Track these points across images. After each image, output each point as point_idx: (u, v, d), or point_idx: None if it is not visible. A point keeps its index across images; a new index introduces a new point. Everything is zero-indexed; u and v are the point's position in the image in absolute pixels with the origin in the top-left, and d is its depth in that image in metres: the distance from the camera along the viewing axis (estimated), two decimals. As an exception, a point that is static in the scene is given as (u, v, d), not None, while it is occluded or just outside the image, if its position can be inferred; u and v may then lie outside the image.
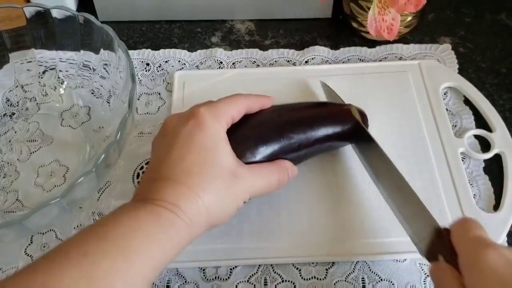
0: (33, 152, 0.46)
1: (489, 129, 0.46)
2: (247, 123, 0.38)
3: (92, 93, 0.48)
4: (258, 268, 0.39)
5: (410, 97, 0.48)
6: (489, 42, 0.54)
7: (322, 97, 0.48)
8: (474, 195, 0.42)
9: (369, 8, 0.46)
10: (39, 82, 0.49)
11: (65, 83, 0.49)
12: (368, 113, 0.43)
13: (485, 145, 0.45)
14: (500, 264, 0.27)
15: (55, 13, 0.44)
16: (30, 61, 0.49)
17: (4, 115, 0.49)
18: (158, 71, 0.52)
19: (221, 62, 0.53)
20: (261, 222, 0.41)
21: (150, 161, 0.36)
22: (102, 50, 0.45)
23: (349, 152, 0.44)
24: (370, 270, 0.39)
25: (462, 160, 0.44)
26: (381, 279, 0.38)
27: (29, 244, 0.41)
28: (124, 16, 0.57)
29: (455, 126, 0.47)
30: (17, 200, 0.43)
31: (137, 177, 0.45)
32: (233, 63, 0.53)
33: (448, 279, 0.29)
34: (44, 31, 0.46)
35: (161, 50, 0.54)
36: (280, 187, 0.38)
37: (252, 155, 0.36)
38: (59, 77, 0.49)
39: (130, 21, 0.57)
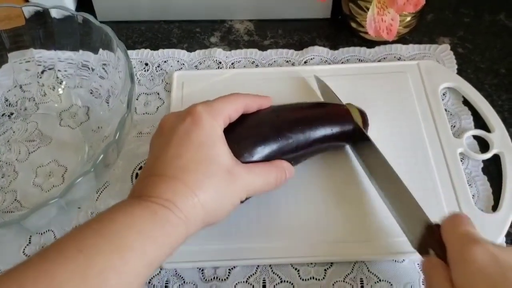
0: (32, 152, 0.46)
1: (488, 130, 0.46)
2: (245, 123, 0.38)
3: (91, 93, 0.48)
4: (257, 268, 0.39)
5: (409, 97, 0.48)
6: (488, 43, 0.54)
7: (320, 98, 0.48)
8: (473, 195, 0.42)
9: (368, 9, 0.46)
10: (38, 82, 0.49)
11: (64, 83, 0.49)
12: (367, 113, 0.43)
13: (484, 145, 0.45)
14: (485, 259, 0.28)
15: (54, 13, 0.44)
16: (29, 61, 0.48)
17: (2, 115, 0.49)
18: (157, 71, 0.52)
19: (220, 62, 0.53)
20: (260, 222, 0.41)
21: (147, 159, 0.36)
22: (101, 50, 0.45)
23: (347, 152, 0.44)
24: (368, 270, 0.39)
25: (461, 161, 0.44)
26: (380, 280, 0.38)
27: (27, 245, 0.41)
28: (123, 16, 0.57)
29: (454, 126, 0.47)
30: (15, 200, 0.43)
31: (136, 177, 0.45)
32: (232, 63, 0.53)
33: (437, 273, 0.30)
34: (43, 31, 0.46)
35: (160, 50, 0.54)
36: (277, 187, 0.38)
37: (249, 154, 0.36)
38: (57, 77, 0.49)
39: (129, 21, 0.57)
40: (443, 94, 0.49)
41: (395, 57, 0.52)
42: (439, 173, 0.43)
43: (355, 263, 0.39)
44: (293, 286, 0.39)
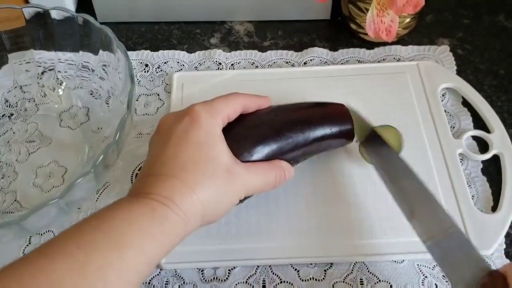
0: (32, 153, 0.46)
1: (487, 130, 0.46)
2: (245, 123, 0.38)
3: (91, 94, 0.48)
4: (257, 269, 0.39)
5: (408, 98, 0.48)
6: (487, 44, 0.54)
7: (320, 98, 0.48)
8: (472, 196, 0.42)
9: (367, 10, 0.47)
10: (38, 83, 0.49)
11: (64, 84, 0.50)
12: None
13: (483, 146, 0.46)
14: None
15: (54, 14, 0.44)
16: (29, 62, 0.49)
17: (2, 115, 0.49)
18: (157, 72, 0.52)
19: (220, 63, 0.53)
20: (260, 223, 0.41)
21: (146, 158, 0.36)
22: (101, 51, 0.45)
23: (347, 152, 0.44)
24: (368, 271, 0.39)
25: (460, 161, 0.44)
26: (379, 280, 0.38)
27: (27, 245, 0.41)
28: (123, 17, 0.57)
29: (454, 127, 0.47)
30: (15, 200, 0.43)
31: (135, 178, 0.44)
32: (232, 64, 0.53)
33: None
34: (43, 32, 0.46)
35: (160, 51, 0.54)
36: (276, 187, 0.38)
37: (249, 154, 0.36)
38: (58, 78, 0.49)
39: (129, 22, 0.57)
40: (443, 95, 0.49)
41: (394, 58, 0.52)
42: (439, 173, 0.43)
43: (355, 263, 0.39)
44: (293, 286, 0.39)
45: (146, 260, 0.29)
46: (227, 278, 0.39)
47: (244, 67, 0.52)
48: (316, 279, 0.39)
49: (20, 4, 0.47)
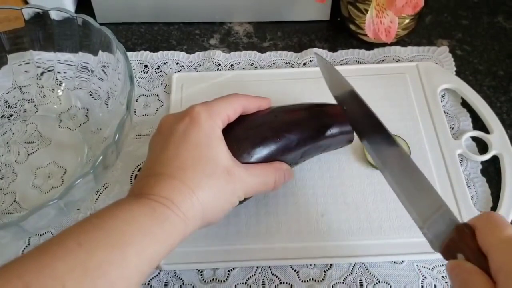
0: (31, 154, 0.46)
1: (487, 131, 0.46)
2: (245, 124, 0.38)
3: (90, 94, 0.48)
4: (256, 270, 0.39)
5: (408, 99, 0.48)
6: (486, 45, 0.54)
7: (319, 99, 0.48)
8: (472, 196, 0.42)
9: (367, 11, 0.47)
10: (37, 84, 0.49)
11: (63, 84, 0.49)
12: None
13: (482, 147, 0.46)
14: None
15: (54, 15, 0.44)
16: (28, 63, 0.49)
17: (2, 116, 0.49)
18: (156, 73, 0.52)
19: (219, 64, 0.53)
20: (259, 223, 0.41)
21: (146, 159, 0.36)
22: (100, 52, 0.45)
23: (347, 153, 0.44)
24: (368, 272, 0.39)
25: (460, 162, 0.44)
26: (379, 281, 0.38)
27: (26, 246, 0.41)
28: (122, 18, 0.57)
29: (453, 128, 0.47)
30: (14, 201, 0.43)
31: (135, 179, 0.44)
32: (231, 65, 0.53)
33: (477, 283, 0.26)
34: (43, 32, 0.46)
35: (160, 52, 0.54)
36: (275, 189, 0.38)
37: (249, 155, 0.36)
38: (57, 79, 0.49)
39: (129, 23, 0.57)
40: (442, 96, 0.49)
41: (393, 59, 0.52)
42: (438, 174, 0.43)
43: (354, 264, 0.39)
44: (293, 287, 0.38)
45: (147, 259, 0.29)
46: (226, 279, 0.39)
47: (244, 68, 0.52)
48: (315, 280, 0.39)
49: (19, 5, 0.47)
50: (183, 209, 0.31)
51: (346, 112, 0.40)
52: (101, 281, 0.26)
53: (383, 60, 0.52)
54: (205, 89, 0.50)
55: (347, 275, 0.39)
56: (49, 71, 0.49)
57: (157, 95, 0.50)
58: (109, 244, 0.27)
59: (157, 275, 0.39)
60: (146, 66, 0.53)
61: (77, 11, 0.58)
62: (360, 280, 0.39)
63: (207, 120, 0.35)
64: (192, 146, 0.34)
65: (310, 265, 0.39)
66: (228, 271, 0.39)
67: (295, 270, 0.39)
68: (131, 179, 0.45)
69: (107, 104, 0.47)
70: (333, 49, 0.54)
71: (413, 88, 0.49)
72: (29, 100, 0.49)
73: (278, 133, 0.38)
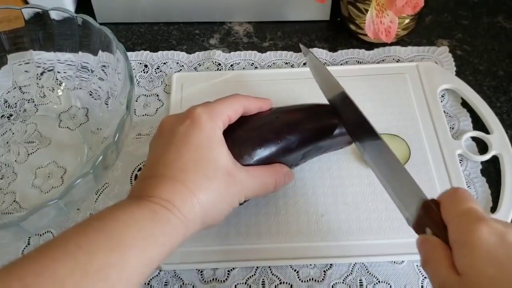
0: (31, 154, 0.46)
1: (487, 131, 0.46)
2: (245, 125, 0.38)
3: (90, 94, 0.48)
4: (256, 269, 0.39)
5: (408, 99, 0.48)
6: (486, 45, 0.54)
7: (320, 100, 0.48)
8: (472, 197, 0.42)
9: (367, 11, 0.47)
10: (37, 84, 0.49)
11: (63, 84, 0.49)
12: (366, 114, 0.43)
13: (482, 147, 0.46)
14: (492, 240, 0.26)
15: (54, 15, 0.44)
16: (28, 63, 0.48)
17: (2, 116, 0.49)
18: (156, 72, 0.52)
19: (219, 64, 0.53)
20: (259, 223, 0.41)
21: (146, 160, 0.36)
22: (100, 52, 0.45)
23: (347, 153, 0.44)
24: (367, 272, 0.39)
25: (460, 162, 0.44)
26: (379, 281, 0.38)
27: (26, 246, 0.41)
28: (122, 18, 0.57)
29: (453, 128, 0.47)
30: (14, 201, 0.43)
31: (135, 179, 0.45)
32: (231, 65, 0.53)
33: (437, 254, 0.28)
34: (43, 32, 0.46)
35: (160, 52, 0.54)
36: (276, 191, 0.38)
37: (249, 157, 0.36)
38: (57, 79, 0.49)
39: (129, 22, 0.57)
40: (442, 96, 0.49)
41: (393, 59, 0.52)
42: (438, 174, 0.43)
43: (354, 264, 0.39)
44: (292, 287, 0.38)
45: (147, 261, 0.29)
46: (226, 279, 0.39)
47: (244, 68, 0.52)
48: (315, 280, 0.39)
49: (19, 4, 0.47)
50: (184, 211, 0.31)
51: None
52: (101, 284, 0.26)
53: (383, 60, 0.52)
54: (205, 89, 0.50)
55: (347, 275, 0.39)
56: (49, 71, 0.49)
57: (157, 95, 0.50)
58: (110, 246, 0.27)
59: (157, 275, 0.39)
60: (146, 66, 0.53)
61: (77, 11, 0.58)
62: (360, 280, 0.39)
63: (208, 122, 0.35)
64: (193, 148, 0.34)
65: (310, 265, 0.39)
66: (228, 271, 0.39)
67: (295, 270, 0.39)
68: (131, 179, 0.45)
69: (107, 104, 0.47)
70: (333, 49, 0.54)
71: (413, 88, 0.49)
72: (29, 100, 0.49)
73: (279, 135, 0.38)
